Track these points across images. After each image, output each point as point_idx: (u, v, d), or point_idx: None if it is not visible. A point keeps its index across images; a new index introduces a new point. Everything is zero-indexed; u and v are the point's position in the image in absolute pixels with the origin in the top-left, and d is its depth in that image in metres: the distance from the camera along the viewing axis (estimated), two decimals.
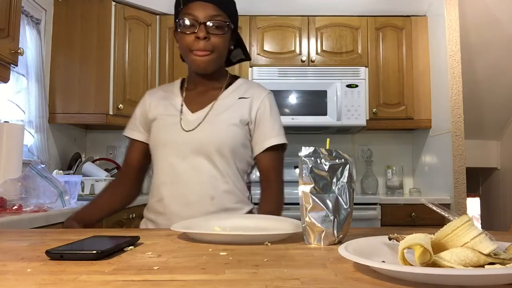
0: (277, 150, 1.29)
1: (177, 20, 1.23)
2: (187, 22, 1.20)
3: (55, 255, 0.61)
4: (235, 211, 1.23)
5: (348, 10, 3.20)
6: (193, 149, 1.22)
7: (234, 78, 1.37)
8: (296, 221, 0.91)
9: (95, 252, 0.61)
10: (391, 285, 0.48)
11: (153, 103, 1.34)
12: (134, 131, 1.36)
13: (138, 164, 1.36)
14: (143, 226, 1.32)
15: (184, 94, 1.32)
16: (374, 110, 3.14)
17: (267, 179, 1.29)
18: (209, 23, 1.19)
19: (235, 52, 1.36)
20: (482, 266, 0.50)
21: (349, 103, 3.06)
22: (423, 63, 3.21)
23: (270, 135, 1.29)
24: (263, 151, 1.28)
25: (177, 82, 1.39)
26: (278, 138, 1.29)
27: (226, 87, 1.32)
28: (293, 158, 3.22)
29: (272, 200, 1.27)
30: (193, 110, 1.28)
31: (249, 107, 1.28)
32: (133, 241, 0.73)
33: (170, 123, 1.27)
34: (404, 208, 2.86)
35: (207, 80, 1.30)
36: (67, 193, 1.80)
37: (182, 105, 1.29)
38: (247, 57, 1.39)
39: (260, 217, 1.06)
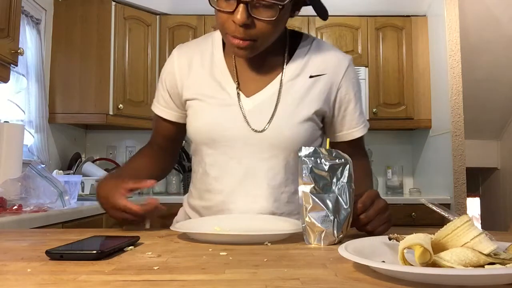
0: (360, 139, 1.07)
1: None
2: None
3: (55, 255, 0.61)
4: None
5: (348, 10, 3.20)
6: (253, 152, 0.97)
7: (297, 36, 1.05)
8: (296, 221, 0.91)
9: (95, 252, 0.61)
10: (391, 285, 0.48)
11: (187, 71, 1.01)
12: (164, 110, 1.07)
13: (171, 144, 1.14)
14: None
15: (231, 64, 1.00)
16: (374, 110, 3.14)
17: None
18: (253, 2, 0.84)
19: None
20: (482, 266, 0.50)
21: None
22: (423, 63, 3.21)
23: (357, 123, 1.05)
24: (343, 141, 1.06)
25: (216, 38, 1.03)
26: (363, 129, 1.06)
27: (290, 54, 1.01)
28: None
29: (362, 165, 1.03)
30: (249, 92, 0.98)
31: (327, 91, 1.00)
32: (133, 241, 0.73)
33: (218, 111, 0.98)
34: (404, 208, 2.85)
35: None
36: (67, 193, 1.80)
37: (238, 87, 0.98)
38: (322, 15, 1.04)
39: (260, 217, 1.06)
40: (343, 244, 0.59)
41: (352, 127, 1.05)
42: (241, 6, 0.83)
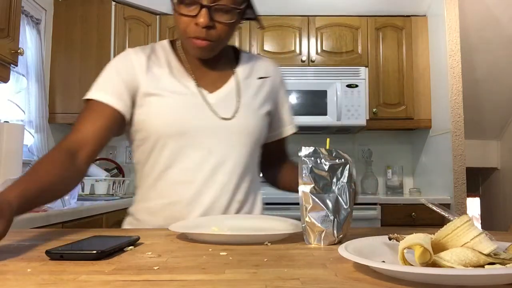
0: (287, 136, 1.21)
1: None
2: (186, 1, 0.94)
3: (55, 255, 0.61)
4: (255, 214, 1.11)
5: (348, 10, 3.20)
6: (222, 141, 1.01)
7: (231, 47, 1.16)
8: (296, 221, 0.91)
9: (95, 252, 0.61)
10: (391, 285, 0.48)
11: (145, 69, 1.03)
12: (109, 95, 0.99)
13: (101, 140, 0.97)
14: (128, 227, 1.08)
15: (186, 66, 1.06)
16: (374, 110, 3.14)
17: (279, 161, 1.20)
18: (214, 7, 0.93)
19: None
20: (482, 266, 0.50)
21: (349, 103, 3.06)
22: (423, 63, 3.21)
23: (289, 121, 1.19)
24: (279, 139, 1.18)
25: (166, 47, 1.09)
26: (294, 125, 1.20)
27: (236, 60, 1.12)
28: (293, 158, 3.24)
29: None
30: (209, 89, 1.04)
31: (273, 90, 1.13)
32: (133, 241, 0.73)
33: (184, 104, 1.01)
34: (404, 208, 2.86)
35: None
36: None
37: (195, 81, 1.03)
38: (258, 21, 1.09)
39: (259, 217, 1.06)
40: (343, 244, 0.59)
41: (287, 124, 1.19)
42: (204, 10, 0.92)
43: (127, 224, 1.11)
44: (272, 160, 1.20)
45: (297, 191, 0.79)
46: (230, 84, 1.07)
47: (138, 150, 1.07)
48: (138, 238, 0.76)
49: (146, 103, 1.01)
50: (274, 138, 1.19)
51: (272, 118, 1.15)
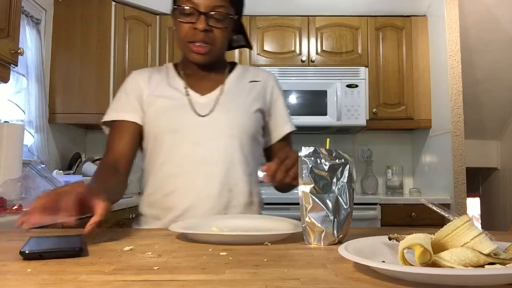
0: (289, 136, 1.29)
1: (175, 6, 1.12)
2: (185, 10, 1.09)
3: (33, 255, 0.61)
4: (250, 206, 1.16)
5: (348, 10, 3.20)
6: (210, 135, 1.11)
7: (233, 64, 1.30)
8: (296, 221, 0.91)
9: (77, 249, 0.63)
10: (391, 285, 0.48)
11: (148, 82, 1.19)
12: (128, 113, 1.16)
13: (132, 152, 1.16)
14: (146, 226, 1.16)
15: (183, 77, 1.20)
16: (374, 110, 3.14)
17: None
18: (211, 14, 1.08)
19: (237, 37, 1.27)
20: (482, 266, 0.50)
21: (349, 103, 3.06)
22: (423, 63, 3.21)
23: (286, 121, 1.28)
24: (280, 139, 1.26)
25: (169, 66, 1.27)
26: (291, 124, 1.29)
27: (231, 72, 1.25)
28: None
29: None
30: (201, 93, 1.17)
31: (262, 91, 1.23)
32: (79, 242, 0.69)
33: (177, 106, 1.14)
34: (404, 208, 2.85)
35: (206, 65, 1.19)
36: None
37: (186, 88, 1.17)
38: (248, 45, 1.30)
39: (259, 217, 1.06)
40: (343, 244, 0.59)
41: (284, 124, 1.27)
42: (202, 16, 1.08)
43: (135, 224, 1.21)
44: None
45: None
46: (219, 88, 1.19)
47: (146, 152, 1.19)
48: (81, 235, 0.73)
49: (148, 111, 1.16)
50: (274, 139, 1.27)
51: (268, 121, 1.25)
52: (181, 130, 1.12)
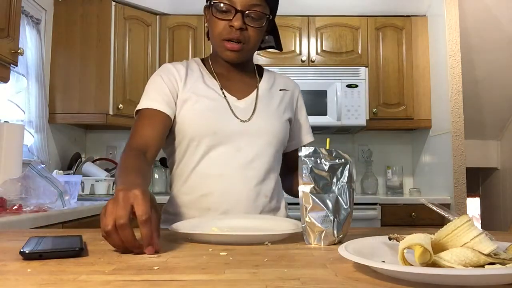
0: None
1: (212, 2, 1.10)
2: (222, 7, 1.07)
3: (33, 255, 0.61)
4: (279, 211, 1.19)
5: (348, 10, 3.20)
6: (249, 141, 1.12)
7: (257, 65, 1.30)
8: (296, 221, 0.91)
9: (77, 249, 0.63)
10: (391, 285, 0.48)
11: (184, 76, 1.16)
12: (164, 103, 1.11)
13: (161, 143, 1.11)
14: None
15: (215, 77, 1.19)
16: (374, 110, 3.14)
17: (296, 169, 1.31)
18: (247, 13, 1.08)
19: (268, 38, 1.27)
20: (482, 266, 0.50)
21: (349, 103, 3.06)
22: (423, 63, 3.21)
23: (308, 131, 1.32)
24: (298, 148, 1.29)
25: (198, 62, 1.24)
26: (312, 135, 1.32)
27: (259, 75, 1.26)
28: None
29: None
30: (237, 96, 1.17)
31: (291, 101, 1.26)
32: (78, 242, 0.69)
33: (216, 108, 1.12)
34: (404, 208, 2.85)
35: (237, 65, 1.19)
36: (67, 193, 1.80)
37: (222, 89, 1.16)
38: (278, 47, 1.29)
39: (259, 217, 1.06)
40: (343, 244, 0.59)
41: (305, 134, 1.31)
42: (238, 14, 1.07)
43: (163, 222, 1.15)
44: (290, 169, 1.26)
45: None
46: (254, 93, 1.20)
47: (175, 151, 1.17)
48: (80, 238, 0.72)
49: (183, 107, 1.13)
50: (293, 147, 1.28)
51: (292, 128, 1.26)
52: (221, 133, 1.11)
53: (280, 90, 1.25)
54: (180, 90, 1.14)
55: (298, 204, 0.79)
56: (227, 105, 1.14)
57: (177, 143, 1.16)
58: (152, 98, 1.12)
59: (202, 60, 1.26)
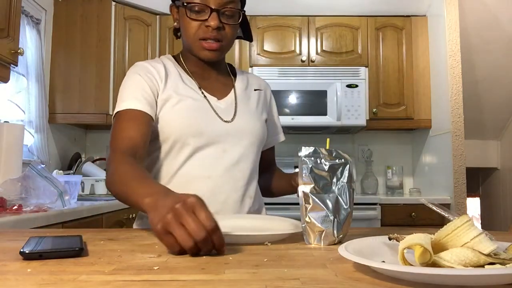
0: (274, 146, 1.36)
1: (184, 3, 1.06)
2: (196, 7, 1.05)
3: (33, 255, 0.61)
4: (260, 211, 1.20)
5: (348, 10, 3.20)
6: (234, 142, 1.11)
7: (228, 64, 1.28)
8: (296, 221, 0.91)
9: (77, 249, 0.63)
10: (391, 285, 0.48)
11: (165, 77, 1.11)
12: (142, 103, 1.05)
13: (145, 146, 1.05)
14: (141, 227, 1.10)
15: (192, 76, 1.16)
16: (374, 110, 3.14)
17: (270, 168, 1.32)
18: (222, 11, 1.05)
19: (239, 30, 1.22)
20: (482, 266, 0.50)
21: (349, 103, 3.06)
22: (423, 63, 3.21)
23: (279, 130, 1.34)
24: (271, 146, 1.32)
25: (171, 59, 1.19)
26: (282, 134, 1.34)
27: (232, 74, 1.25)
28: (293, 158, 3.25)
29: (285, 174, 1.25)
30: (216, 96, 1.15)
31: (265, 101, 1.27)
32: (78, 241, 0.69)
33: (199, 108, 1.10)
34: (404, 208, 2.86)
35: (211, 64, 1.16)
36: (67, 193, 1.80)
37: (200, 89, 1.14)
38: (248, 37, 1.24)
39: (260, 217, 1.06)
40: (343, 244, 0.59)
41: (278, 132, 1.33)
42: (214, 13, 1.04)
43: (137, 226, 1.14)
44: (265, 167, 1.28)
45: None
46: (232, 93, 1.20)
47: (154, 152, 1.11)
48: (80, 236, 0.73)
49: (164, 107, 1.08)
50: (266, 146, 1.29)
51: (267, 127, 1.26)
52: (206, 134, 1.08)
53: (255, 90, 1.26)
54: (161, 89, 1.09)
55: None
56: (209, 105, 1.12)
57: (157, 145, 1.10)
58: (133, 97, 1.06)
59: (174, 57, 1.21)
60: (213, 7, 1.04)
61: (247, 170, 1.13)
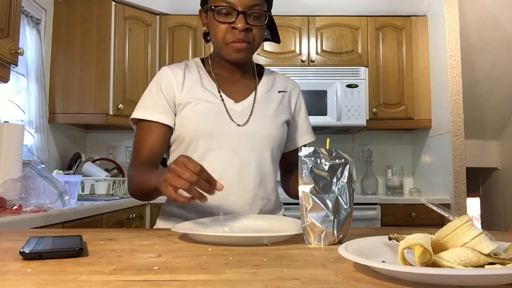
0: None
1: (212, 7, 1.09)
2: (223, 10, 1.08)
3: (33, 255, 0.61)
4: (276, 211, 1.21)
5: (348, 10, 3.20)
6: (246, 145, 1.13)
7: (257, 65, 1.30)
8: (297, 221, 0.91)
9: (77, 249, 0.63)
10: (391, 285, 0.48)
11: (182, 81, 1.17)
12: (162, 114, 1.14)
13: (162, 152, 1.16)
14: (166, 226, 1.15)
15: (214, 78, 1.20)
16: (374, 110, 3.14)
17: (292, 170, 1.26)
18: (248, 13, 1.08)
19: (266, 32, 1.25)
20: (482, 266, 0.50)
21: (349, 103, 3.06)
22: (423, 63, 3.21)
23: (305, 132, 1.31)
24: (295, 148, 1.29)
25: (198, 62, 1.24)
26: (311, 135, 1.32)
27: (259, 76, 1.26)
28: None
29: None
30: (235, 99, 1.17)
31: (289, 103, 1.26)
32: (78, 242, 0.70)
33: (213, 111, 1.14)
34: (404, 208, 2.85)
35: (237, 66, 1.20)
36: (67, 193, 1.80)
37: (220, 92, 1.17)
38: (276, 39, 1.28)
39: (260, 217, 1.06)
40: (343, 244, 0.59)
41: (304, 134, 1.30)
42: (241, 15, 1.07)
43: (160, 222, 1.21)
44: (288, 169, 1.29)
45: None
46: (252, 96, 1.21)
47: (174, 153, 1.19)
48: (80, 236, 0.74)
49: (181, 111, 1.15)
50: (289, 148, 1.29)
51: (289, 130, 1.26)
52: (218, 137, 1.12)
53: (279, 92, 1.25)
54: (177, 96, 1.15)
55: (296, 204, 0.79)
56: (224, 108, 1.15)
57: (175, 145, 1.18)
58: (148, 107, 1.15)
59: (202, 60, 1.26)
60: (239, 10, 1.07)
61: (258, 172, 1.15)
